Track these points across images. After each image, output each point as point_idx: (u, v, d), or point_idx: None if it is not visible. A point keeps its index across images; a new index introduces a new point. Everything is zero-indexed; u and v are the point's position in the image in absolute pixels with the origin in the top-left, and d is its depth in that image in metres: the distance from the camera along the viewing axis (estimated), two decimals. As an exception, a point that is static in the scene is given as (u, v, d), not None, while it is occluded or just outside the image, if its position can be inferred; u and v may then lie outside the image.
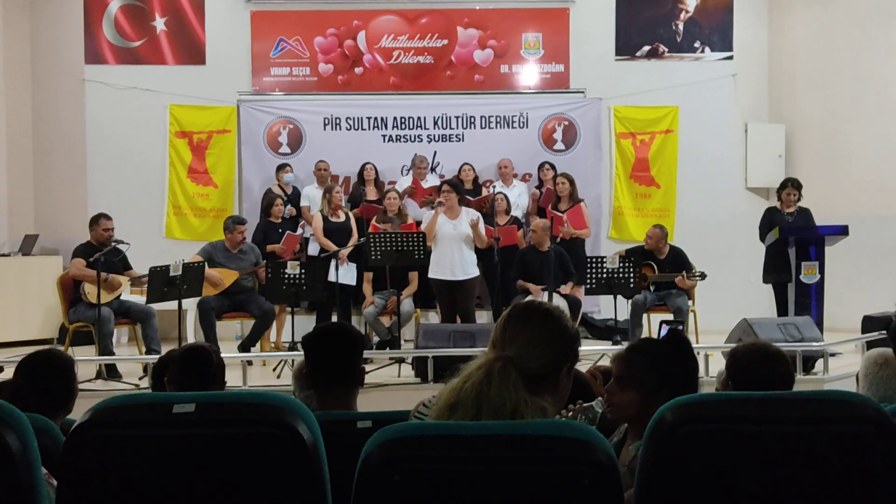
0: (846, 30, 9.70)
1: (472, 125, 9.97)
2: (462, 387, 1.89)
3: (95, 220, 7.49)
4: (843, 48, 9.71)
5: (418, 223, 8.65)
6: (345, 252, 8.17)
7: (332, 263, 7.96)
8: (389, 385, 6.43)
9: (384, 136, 9.95)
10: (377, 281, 8.19)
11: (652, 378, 2.40)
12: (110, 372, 7.03)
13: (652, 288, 8.17)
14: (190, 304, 7.68)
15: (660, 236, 8.28)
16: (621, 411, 2.44)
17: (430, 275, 7.84)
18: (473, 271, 7.91)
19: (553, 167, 9.35)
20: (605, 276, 7.64)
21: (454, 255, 7.78)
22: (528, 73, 10.18)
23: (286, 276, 7.43)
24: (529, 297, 7.94)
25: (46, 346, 3.29)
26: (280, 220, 8.65)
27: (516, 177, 9.59)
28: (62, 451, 1.94)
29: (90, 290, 7.14)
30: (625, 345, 7.96)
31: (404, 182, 9.39)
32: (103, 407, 1.93)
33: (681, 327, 6.75)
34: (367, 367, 5.91)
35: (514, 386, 1.87)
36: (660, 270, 8.14)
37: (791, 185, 8.41)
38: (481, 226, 7.92)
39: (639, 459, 1.90)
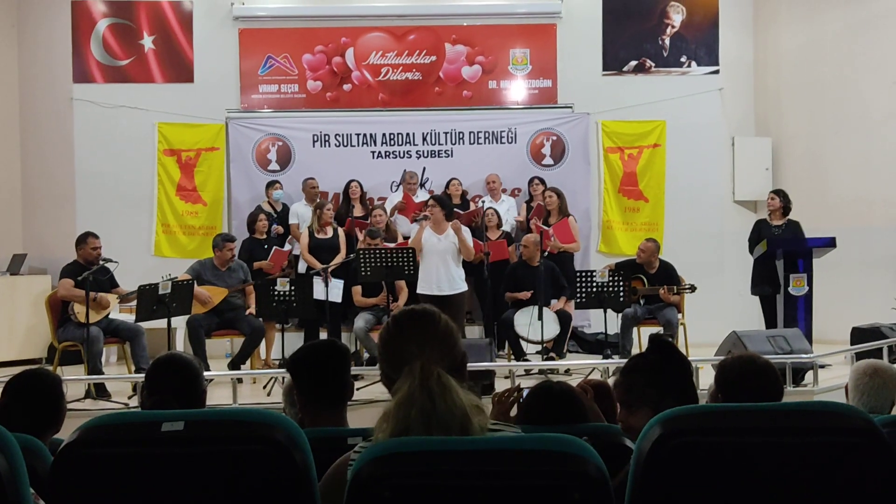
0: (831, 44, 9.78)
1: (461, 141, 10.00)
2: (408, 413, 1.82)
3: (83, 239, 7.46)
4: (827, 62, 9.79)
5: (407, 238, 8.68)
6: (328, 269, 8.14)
7: (318, 280, 7.94)
8: (380, 401, 6.40)
9: (373, 152, 9.96)
10: (366, 294, 8.16)
11: (653, 391, 2.42)
12: (99, 391, 6.99)
13: (642, 301, 8.19)
14: (179, 323, 7.65)
15: (653, 250, 8.30)
16: (639, 432, 2.44)
17: (419, 290, 7.84)
18: (461, 286, 7.92)
19: (543, 182, 9.38)
20: (594, 290, 7.66)
21: (441, 270, 7.79)
22: (516, 89, 10.22)
23: (275, 293, 7.42)
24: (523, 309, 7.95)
25: (34, 366, 3.27)
26: (265, 237, 8.64)
27: (505, 192, 9.62)
28: (50, 471, 1.92)
29: (79, 310, 7.11)
30: (615, 359, 7.96)
31: (394, 198, 9.40)
32: (91, 426, 1.92)
33: (670, 339, 6.77)
34: (358, 384, 5.90)
35: (456, 392, 1.84)
36: (650, 284, 8.16)
37: (771, 192, 8.50)
38: (466, 234, 7.91)
39: (630, 472, 1.89)
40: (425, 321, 2.03)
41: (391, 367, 1.98)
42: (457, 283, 7.87)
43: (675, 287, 8.05)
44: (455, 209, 8.76)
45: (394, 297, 8.04)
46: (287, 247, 8.82)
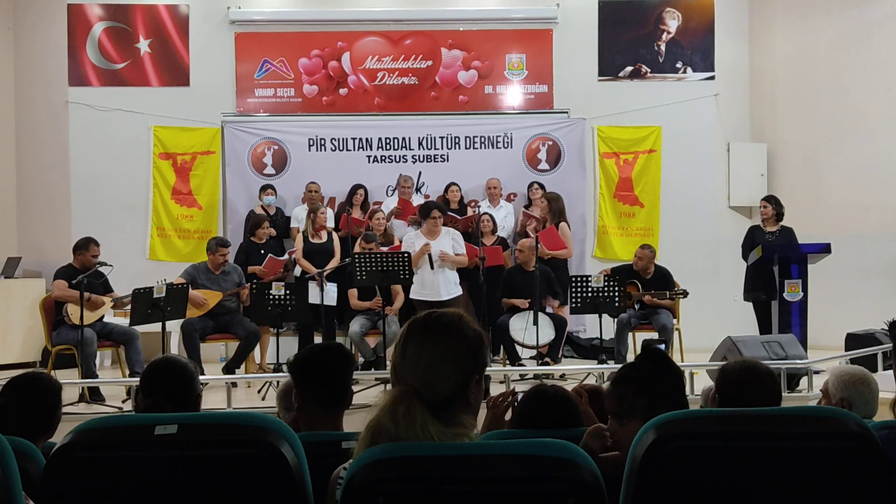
0: (826, 50, 9.81)
1: (457, 145, 10.01)
2: (372, 440, 1.79)
3: (84, 246, 7.40)
4: (822, 69, 9.82)
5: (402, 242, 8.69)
6: (323, 273, 8.13)
7: (312, 284, 7.93)
8: (375, 406, 6.38)
9: (369, 156, 9.96)
10: (362, 297, 8.14)
11: (644, 401, 2.40)
12: (93, 395, 6.97)
13: (637, 306, 8.17)
14: (174, 326, 7.63)
15: (650, 257, 8.29)
16: (630, 444, 2.43)
17: (414, 296, 7.84)
18: (457, 290, 7.92)
19: (542, 186, 9.38)
20: (590, 295, 7.65)
21: (437, 276, 7.78)
22: (513, 94, 10.23)
23: (271, 297, 7.41)
24: (518, 314, 7.95)
25: (34, 370, 3.25)
26: (263, 241, 8.64)
27: (502, 196, 9.62)
28: (43, 473, 1.92)
29: (73, 311, 7.09)
30: (611, 364, 7.94)
31: (390, 203, 9.40)
32: (85, 429, 1.92)
33: (663, 346, 6.76)
34: (353, 388, 5.89)
35: (422, 425, 1.77)
36: (645, 289, 8.15)
37: (763, 200, 8.52)
38: (459, 247, 7.91)
39: (624, 477, 1.89)
40: (426, 335, 1.89)
41: (391, 373, 1.93)
42: (452, 287, 7.87)
43: (667, 292, 8.04)
44: (451, 213, 8.76)
45: (388, 301, 8.01)
46: (285, 256, 8.78)
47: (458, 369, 1.87)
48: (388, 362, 7.64)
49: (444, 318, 1.92)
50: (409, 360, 1.87)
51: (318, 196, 9.25)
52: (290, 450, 1.87)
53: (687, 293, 8.04)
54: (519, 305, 8.04)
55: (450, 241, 7.91)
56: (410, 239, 8.00)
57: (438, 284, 7.80)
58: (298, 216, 9.15)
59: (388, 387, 1.96)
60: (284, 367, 7.42)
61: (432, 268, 7.73)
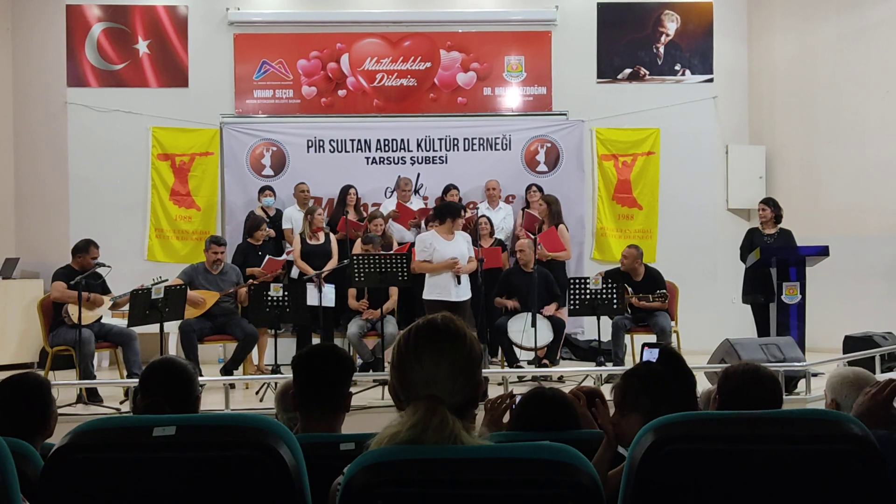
0: (824, 53, 9.82)
1: (456, 147, 10.01)
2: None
3: (85, 248, 7.40)
4: (821, 71, 9.83)
5: (401, 244, 8.67)
6: (321, 275, 8.11)
7: (311, 286, 7.91)
8: (373, 407, 6.40)
9: (367, 158, 9.96)
10: (358, 298, 8.14)
11: (647, 400, 2.41)
12: (91, 396, 6.96)
13: (629, 310, 8.06)
14: (172, 327, 7.62)
15: (635, 256, 8.23)
16: (629, 437, 2.43)
17: (427, 296, 7.55)
18: (469, 293, 7.72)
19: (540, 189, 9.38)
20: (588, 297, 7.64)
21: (453, 277, 7.56)
22: (511, 96, 10.23)
23: (269, 298, 7.41)
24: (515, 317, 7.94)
25: (21, 371, 3.23)
26: (260, 243, 8.63)
27: (501, 198, 9.61)
28: (41, 475, 1.91)
29: (74, 311, 7.07)
30: (609, 366, 7.91)
31: (389, 204, 9.39)
32: (83, 430, 1.92)
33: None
34: (351, 390, 5.87)
35: (452, 435, 1.74)
36: (636, 292, 8.10)
37: (761, 203, 8.52)
38: (471, 250, 7.80)
39: (622, 479, 1.89)
40: (440, 344, 1.83)
41: (400, 384, 1.84)
42: (466, 289, 7.64)
43: (649, 296, 7.97)
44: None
45: (376, 304, 7.93)
46: (283, 256, 8.77)
47: (473, 374, 1.85)
48: (385, 364, 7.59)
49: (451, 325, 1.88)
50: (428, 370, 1.80)
51: (307, 196, 9.24)
52: (289, 451, 1.87)
53: (666, 296, 7.97)
54: (509, 307, 8.01)
55: (465, 244, 7.73)
56: (427, 240, 7.66)
57: (454, 285, 7.58)
58: (291, 217, 9.14)
59: (386, 391, 1.95)
60: (282, 369, 7.43)
61: (458, 283, 7.60)
